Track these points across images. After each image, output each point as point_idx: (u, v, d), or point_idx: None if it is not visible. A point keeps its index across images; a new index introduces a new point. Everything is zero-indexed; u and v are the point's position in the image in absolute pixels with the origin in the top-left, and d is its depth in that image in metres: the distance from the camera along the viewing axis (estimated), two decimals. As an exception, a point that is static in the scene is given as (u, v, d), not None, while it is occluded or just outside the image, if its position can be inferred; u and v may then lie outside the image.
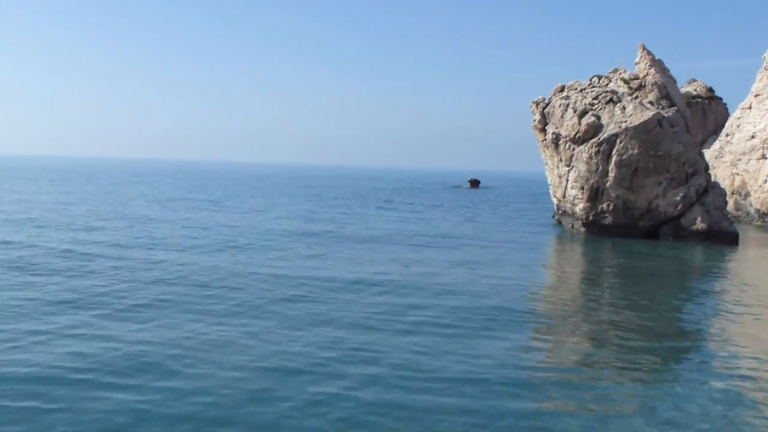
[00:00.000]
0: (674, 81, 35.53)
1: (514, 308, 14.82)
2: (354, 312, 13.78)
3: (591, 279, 20.63)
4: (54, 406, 8.44)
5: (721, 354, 11.91)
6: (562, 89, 35.22)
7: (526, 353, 11.54)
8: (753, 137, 42.40)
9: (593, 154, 31.18)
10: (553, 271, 22.51)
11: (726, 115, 52.61)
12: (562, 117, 33.19)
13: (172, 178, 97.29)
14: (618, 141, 30.62)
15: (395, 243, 26.07)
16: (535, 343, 12.44)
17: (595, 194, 31.53)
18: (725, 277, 21.99)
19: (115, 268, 17.95)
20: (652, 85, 32.56)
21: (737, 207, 42.45)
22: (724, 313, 15.45)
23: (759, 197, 41.64)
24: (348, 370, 10.04)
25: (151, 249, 21.68)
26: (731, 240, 29.73)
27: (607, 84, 33.90)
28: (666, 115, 30.91)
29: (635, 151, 30.32)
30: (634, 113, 30.80)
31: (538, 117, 34.80)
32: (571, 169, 32.51)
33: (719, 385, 10.09)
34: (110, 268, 17.81)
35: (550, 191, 35.83)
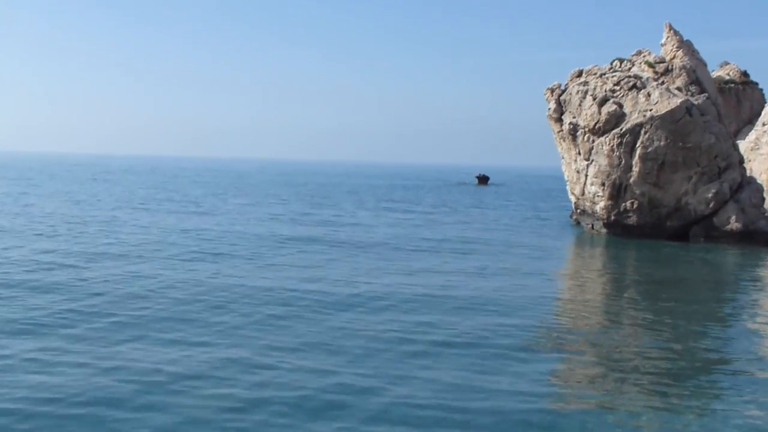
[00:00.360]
0: (705, 64, 35.43)
1: (533, 325, 14.71)
2: (355, 332, 13.55)
3: (615, 290, 20.52)
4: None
5: (763, 376, 11.73)
6: (579, 74, 35.11)
7: (548, 377, 11.39)
8: (792, 126, 42.27)
9: (615, 146, 31.05)
10: (573, 281, 22.37)
11: (762, 102, 52.44)
12: (579, 105, 33.05)
13: (145, 175, 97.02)
14: (642, 132, 30.51)
15: (398, 249, 25.90)
16: (558, 366, 12.30)
17: (617, 191, 31.41)
18: (764, 286, 21.85)
19: (82, 280, 17.71)
20: (680, 69, 32.44)
21: (775, 204, 42.35)
22: (764, 328, 15.28)
23: (799, 193, 41.52)
24: (351, 404, 9.79)
25: (123, 258, 21.44)
26: (770, 241, 29.66)
27: (630, 68, 33.77)
28: (696, 102, 30.79)
29: (662, 143, 30.20)
30: (660, 101, 30.67)
31: (553, 105, 34.67)
32: (591, 163, 32.38)
33: (758, 412, 9.93)
34: (77, 281, 17.57)
35: (567, 188, 35.72)
